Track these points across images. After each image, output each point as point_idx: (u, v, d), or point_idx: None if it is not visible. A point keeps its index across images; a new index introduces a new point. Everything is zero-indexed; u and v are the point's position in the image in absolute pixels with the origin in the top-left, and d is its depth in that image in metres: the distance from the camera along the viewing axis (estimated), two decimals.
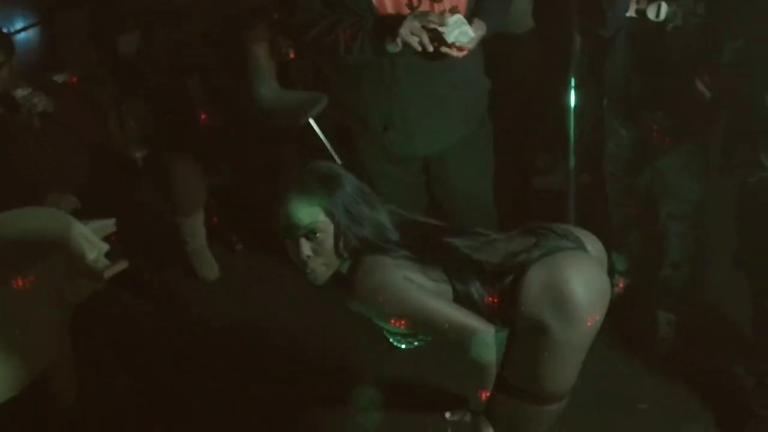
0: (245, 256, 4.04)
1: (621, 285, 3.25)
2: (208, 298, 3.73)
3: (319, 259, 2.04)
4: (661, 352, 3.09)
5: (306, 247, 2.02)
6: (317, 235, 2.01)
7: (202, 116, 3.82)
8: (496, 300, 2.04)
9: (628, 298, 3.25)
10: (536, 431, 2.18)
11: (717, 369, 2.92)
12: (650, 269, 3.19)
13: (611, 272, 3.19)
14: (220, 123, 3.86)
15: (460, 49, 2.49)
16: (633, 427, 2.79)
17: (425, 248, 2.05)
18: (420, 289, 1.98)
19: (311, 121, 4.43)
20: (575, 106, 3.03)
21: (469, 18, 2.57)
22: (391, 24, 2.46)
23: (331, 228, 2.01)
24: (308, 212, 1.99)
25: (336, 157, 4.49)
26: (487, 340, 2.01)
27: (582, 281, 2.01)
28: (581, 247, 2.15)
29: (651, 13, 2.67)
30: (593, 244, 2.21)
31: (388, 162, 2.90)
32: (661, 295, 3.15)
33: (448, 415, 2.68)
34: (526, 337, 2.04)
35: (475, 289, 2.02)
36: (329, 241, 2.02)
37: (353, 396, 3.00)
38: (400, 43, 2.44)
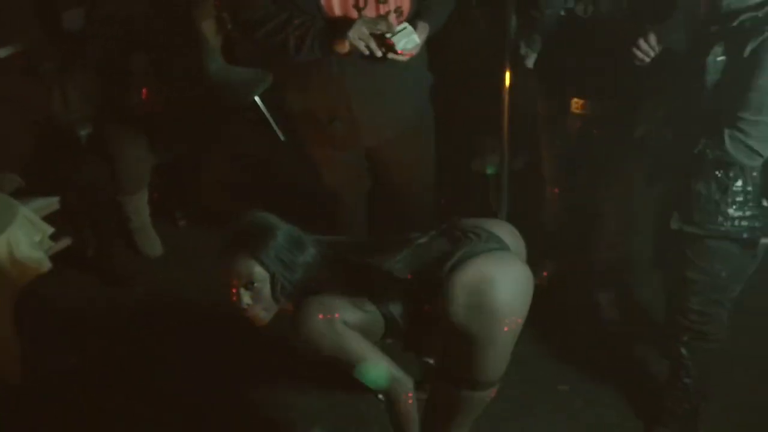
0: (189, 232, 4.08)
1: (545, 274, 3.41)
2: (151, 275, 3.76)
3: (259, 305, 2.21)
4: (605, 331, 3.25)
5: (245, 297, 2.19)
6: (255, 284, 2.16)
7: (144, 93, 3.83)
8: (420, 315, 2.21)
9: (557, 283, 3.43)
10: (470, 415, 2.36)
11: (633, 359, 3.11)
12: (586, 252, 3.36)
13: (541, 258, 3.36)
14: (165, 100, 3.89)
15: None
16: (552, 407, 2.94)
17: (353, 278, 2.20)
18: (356, 336, 2.16)
19: (257, 99, 4.48)
20: (510, 89, 3.12)
21: (413, 18, 2.67)
22: (340, 26, 2.53)
23: (267, 277, 2.17)
24: (244, 266, 2.15)
25: (280, 134, 4.55)
26: (407, 388, 2.22)
27: (505, 285, 2.15)
28: (503, 246, 2.29)
29: (579, 10, 2.81)
30: (512, 238, 2.36)
31: (332, 149, 2.98)
32: (600, 276, 3.32)
33: (381, 396, 2.83)
34: (454, 336, 2.19)
35: (398, 313, 2.20)
36: (266, 289, 2.18)
37: (292, 374, 3.10)
38: (348, 46, 2.52)
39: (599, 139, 3.04)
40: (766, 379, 2.97)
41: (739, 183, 2.30)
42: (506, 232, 2.35)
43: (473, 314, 2.13)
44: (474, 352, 2.17)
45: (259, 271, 2.16)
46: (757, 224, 2.35)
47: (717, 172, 2.31)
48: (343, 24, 2.53)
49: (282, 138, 4.55)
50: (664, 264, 2.78)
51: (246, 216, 2.25)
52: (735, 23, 2.17)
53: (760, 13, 2.15)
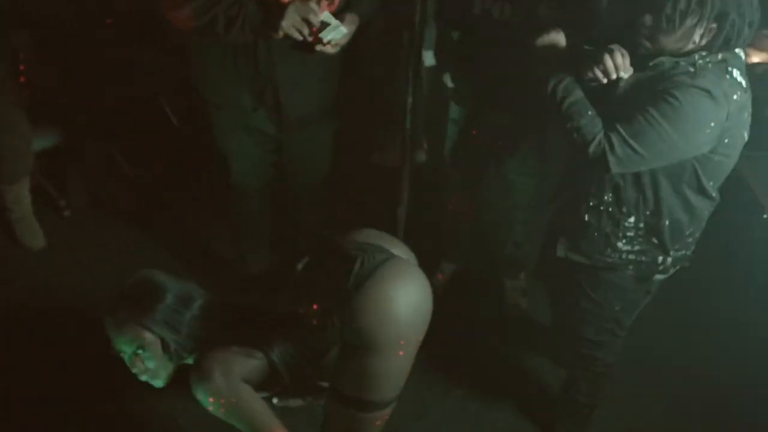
0: (74, 223, 3.88)
1: (440, 276, 3.40)
2: (32, 268, 3.58)
3: (153, 367, 2.20)
4: (510, 316, 3.33)
5: (137, 362, 2.20)
6: (146, 349, 2.16)
7: (24, 74, 3.62)
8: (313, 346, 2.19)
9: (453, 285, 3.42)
10: None
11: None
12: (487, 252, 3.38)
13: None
14: (49, 82, 3.68)
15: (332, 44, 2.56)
16: (447, 411, 2.95)
17: (243, 327, 2.20)
18: (251, 394, 2.14)
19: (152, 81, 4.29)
20: (414, 83, 3.08)
21: (343, 9, 2.62)
22: (270, 8, 2.46)
23: (157, 340, 2.16)
24: (132, 335, 2.16)
25: (174, 120, 4.39)
26: None
27: (405, 303, 2.13)
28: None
29: (496, 13, 2.76)
30: (401, 254, 2.33)
31: (246, 136, 2.93)
32: (505, 267, 3.37)
33: (275, 400, 2.77)
34: (354, 357, 2.16)
35: (286, 354, 2.18)
36: (158, 351, 2.18)
37: (183, 378, 2.99)
38: (281, 34, 2.47)
39: (503, 148, 3.03)
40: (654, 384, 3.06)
41: (632, 219, 2.30)
42: (397, 248, 2.34)
43: (374, 333, 2.11)
44: (370, 373, 2.15)
45: (147, 336, 2.16)
46: (644, 259, 2.36)
47: (609, 208, 2.29)
48: (274, 6, 2.47)
49: (176, 123, 4.39)
50: (546, 276, 2.81)
51: (134, 278, 2.25)
52: (651, 63, 2.13)
53: (681, 61, 2.10)
